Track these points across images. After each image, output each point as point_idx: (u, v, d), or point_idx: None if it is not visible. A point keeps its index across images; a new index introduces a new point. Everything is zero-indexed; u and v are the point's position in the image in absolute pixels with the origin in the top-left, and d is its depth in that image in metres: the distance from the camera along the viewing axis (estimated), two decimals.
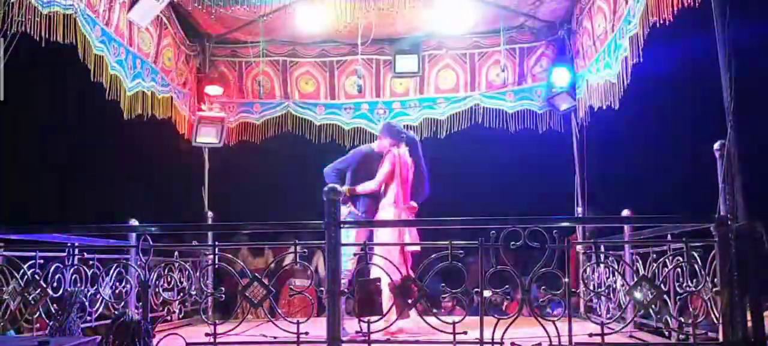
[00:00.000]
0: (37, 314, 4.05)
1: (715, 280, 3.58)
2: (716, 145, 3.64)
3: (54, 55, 4.64)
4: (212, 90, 7.27)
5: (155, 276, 4.28)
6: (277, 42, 7.39)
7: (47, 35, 4.51)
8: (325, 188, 3.67)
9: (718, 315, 3.58)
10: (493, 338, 3.61)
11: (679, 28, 4.35)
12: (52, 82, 7.43)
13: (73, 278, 4.15)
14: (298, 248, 3.78)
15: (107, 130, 7.35)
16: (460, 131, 7.40)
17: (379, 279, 3.76)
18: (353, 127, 7.49)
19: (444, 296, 3.90)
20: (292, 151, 8.12)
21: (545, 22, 7.05)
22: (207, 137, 7.15)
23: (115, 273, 4.48)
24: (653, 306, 3.77)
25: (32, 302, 3.98)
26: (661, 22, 4.27)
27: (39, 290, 3.98)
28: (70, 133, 8.29)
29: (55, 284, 4.05)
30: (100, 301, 4.51)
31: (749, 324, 3.38)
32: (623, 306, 4.59)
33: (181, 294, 5.32)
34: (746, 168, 3.45)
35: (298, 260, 3.81)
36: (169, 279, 5.06)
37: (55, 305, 3.98)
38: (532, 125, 7.25)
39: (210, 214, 6.91)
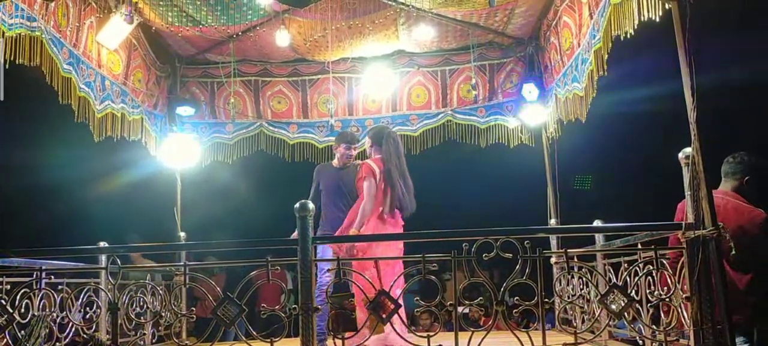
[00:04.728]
0: (5, 341, 3.95)
1: (686, 287, 3.62)
2: (681, 154, 3.69)
3: (17, 76, 4.55)
4: (184, 111, 7.22)
5: (127, 299, 4.20)
6: (249, 62, 7.39)
7: (12, 57, 4.44)
8: (297, 205, 3.66)
9: (688, 322, 3.62)
10: None
11: (642, 41, 4.44)
12: (17, 102, 7.30)
13: (41, 303, 4.06)
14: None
15: (78, 153, 7.25)
16: (433, 148, 7.44)
17: (352, 295, 3.75)
18: (327, 145, 7.46)
19: (418, 310, 3.88)
20: (265, 170, 8.08)
21: (514, 39, 7.15)
22: (179, 158, 7.08)
23: (85, 297, 4.39)
24: (625, 315, 3.80)
25: None
26: (624, 35, 4.35)
27: (5, 315, 3.88)
28: (38, 156, 8.16)
29: (22, 310, 3.96)
30: (69, 326, 4.42)
31: (719, 330, 3.43)
32: (596, 316, 4.61)
33: (154, 317, 5.23)
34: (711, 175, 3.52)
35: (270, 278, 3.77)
36: (141, 302, 4.98)
37: (22, 331, 3.89)
38: (503, 140, 7.33)
39: (182, 235, 6.82)
